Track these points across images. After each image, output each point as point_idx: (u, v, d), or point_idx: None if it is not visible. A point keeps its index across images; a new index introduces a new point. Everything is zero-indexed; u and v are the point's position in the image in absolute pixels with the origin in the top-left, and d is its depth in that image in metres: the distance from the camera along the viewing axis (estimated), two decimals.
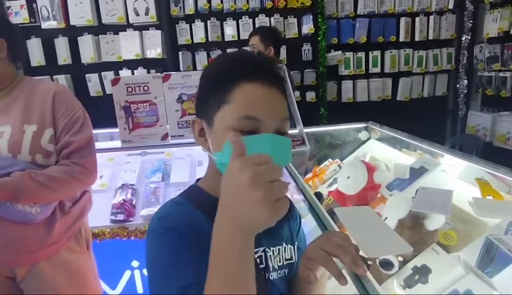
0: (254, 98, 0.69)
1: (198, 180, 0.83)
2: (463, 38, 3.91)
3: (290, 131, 0.76)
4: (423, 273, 1.05)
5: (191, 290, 0.55)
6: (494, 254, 0.93)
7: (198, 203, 0.74)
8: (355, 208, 1.22)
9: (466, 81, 3.96)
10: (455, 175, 1.37)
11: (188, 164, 2.25)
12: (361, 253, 0.70)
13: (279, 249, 0.79)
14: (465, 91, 3.99)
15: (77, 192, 1.39)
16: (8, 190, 1.12)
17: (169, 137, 2.10)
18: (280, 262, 0.78)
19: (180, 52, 3.69)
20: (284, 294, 0.78)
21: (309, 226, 1.29)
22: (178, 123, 2.09)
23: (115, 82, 1.99)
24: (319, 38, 3.72)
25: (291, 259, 0.81)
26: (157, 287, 0.64)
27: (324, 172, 2.02)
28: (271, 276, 0.75)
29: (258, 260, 0.73)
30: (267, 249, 0.76)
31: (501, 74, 3.52)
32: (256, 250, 0.73)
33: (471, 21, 3.85)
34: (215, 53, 3.75)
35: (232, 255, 0.50)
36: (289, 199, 0.91)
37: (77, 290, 1.37)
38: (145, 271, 1.87)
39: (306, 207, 1.23)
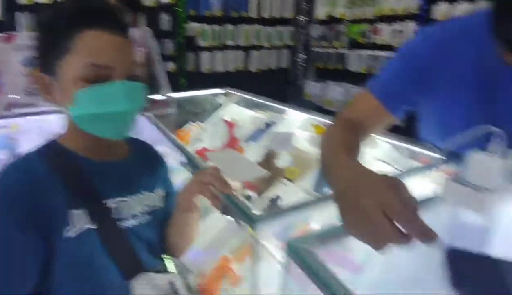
0: (101, 45, 0.65)
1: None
2: (300, 19, 4.57)
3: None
4: (276, 201, 1.32)
5: None
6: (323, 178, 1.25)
7: (56, 163, 0.70)
8: (222, 151, 1.41)
9: (304, 56, 4.68)
10: (296, 126, 1.70)
11: (41, 136, 2.04)
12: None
13: (139, 196, 0.79)
14: (303, 64, 4.72)
15: None
16: None
17: (14, 108, 1.88)
18: (141, 209, 0.79)
19: (18, 13, 3.18)
20: (150, 241, 0.79)
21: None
22: (26, 91, 1.89)
23: None
24: (177, 9, 3.74)
25: (154, 205, 0.83)
26: None
27: (188, 134, 2.16)
28: (129, 224, 0.75)
29: (111, 211, 0.72)
30: (120, 198, 0.75)
31: (327, 50, 4.33)
32: (106, 201, 0.72)
33: (306, 4, 4.51)
34: None
35: None
36: (153, 148, 0.94)
37: None
38: None
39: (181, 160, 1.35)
